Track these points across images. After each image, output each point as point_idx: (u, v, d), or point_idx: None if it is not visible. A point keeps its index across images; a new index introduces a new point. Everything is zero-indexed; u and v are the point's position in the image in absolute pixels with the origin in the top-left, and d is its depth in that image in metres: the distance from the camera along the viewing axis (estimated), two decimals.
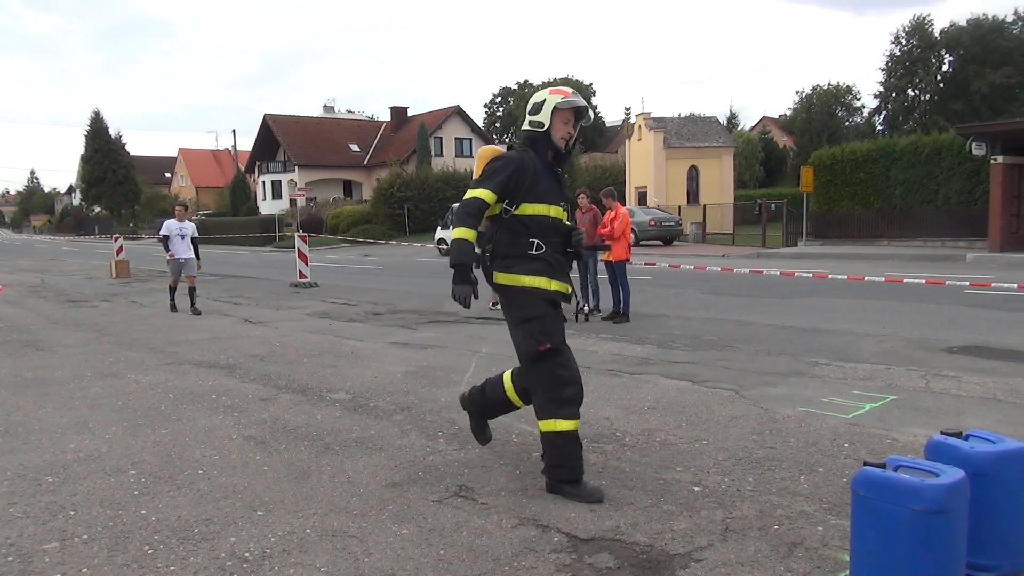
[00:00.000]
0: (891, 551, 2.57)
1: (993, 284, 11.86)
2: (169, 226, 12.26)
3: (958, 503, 2.57)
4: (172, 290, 12.50)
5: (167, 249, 12.25)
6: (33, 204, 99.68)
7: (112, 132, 61.44)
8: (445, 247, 28.44)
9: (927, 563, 2.52)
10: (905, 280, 12.36)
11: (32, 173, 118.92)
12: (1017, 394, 5.71)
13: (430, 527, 3.52)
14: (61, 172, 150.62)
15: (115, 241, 21.12)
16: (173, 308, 12.34)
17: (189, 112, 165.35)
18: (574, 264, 4.52)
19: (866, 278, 13.05)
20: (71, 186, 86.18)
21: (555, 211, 3.92)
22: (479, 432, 4.40)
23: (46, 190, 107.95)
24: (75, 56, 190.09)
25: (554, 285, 3.88)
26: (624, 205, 10.86)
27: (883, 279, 12.77)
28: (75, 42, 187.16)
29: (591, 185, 30.03)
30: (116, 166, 59.73)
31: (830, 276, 14.03)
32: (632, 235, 10.89)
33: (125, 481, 4.25)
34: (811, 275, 14.74)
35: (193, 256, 12.32)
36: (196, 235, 12.53)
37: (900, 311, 10.32)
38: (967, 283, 11.94)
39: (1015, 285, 11.58)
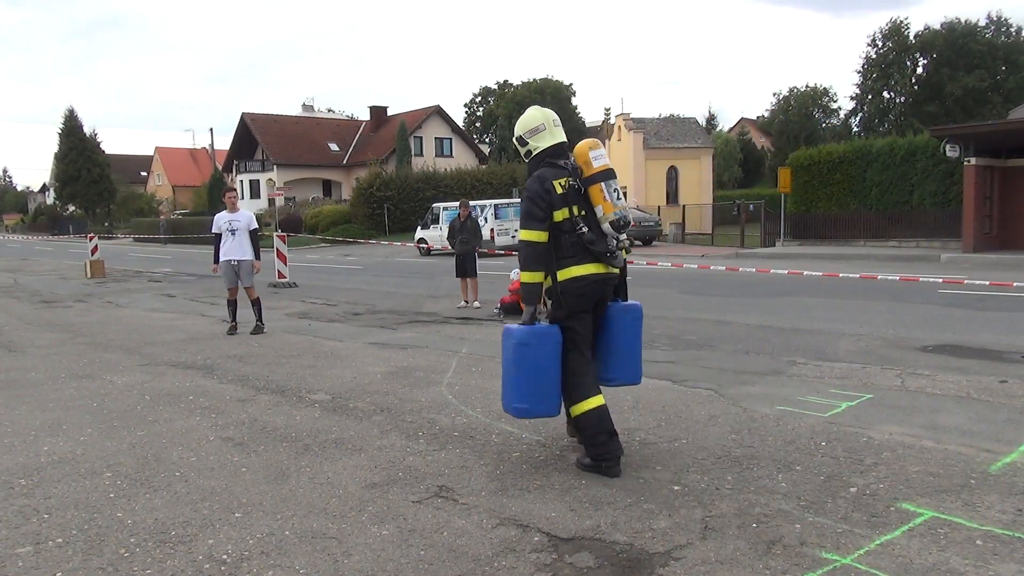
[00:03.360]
0: (507, 368, 4.22)
1: (966, 282, 12.03)
2: (218, 220, 9.42)
3: (539, 340, 4.11)
4: (231, 304, 9.51)
5: (217, 257, 9.39)
6: (5, 203, 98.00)
7: (87, 130, 60.50)
8: (426, 247, 28.36)
9: (521, 374, 4.12)
10: (879, 277, 12.57)
11: (4, 171, 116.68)
12: (990, 392, 5.80)
13: (410, 528, 3.51)
14: (34, 170, 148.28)
15: (90, 240, 20.83)
16: (233, 330, 9.38)
17: (165, 110, 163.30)
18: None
19: (840, 275, 13.31)
20: (44, 185, 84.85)
21: None
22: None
23: (19, 188, 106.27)
24: (47, 52, 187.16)
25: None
26: None
27: (858, 276, 12.98)
28: (46, 37, 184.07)
29: None
30: (91, 165, 58.79)
31: (805, 273, 14.30)
32: None
33: (100, 484, 4.20)
34: (786, 272, 14.92)
35: (250, 257, 9.39)
36: (255, 226, 9.59)
37: (875, 310, 10.44)
38: (940, 281, 12.11)
39: (987, 283, 11.75)
